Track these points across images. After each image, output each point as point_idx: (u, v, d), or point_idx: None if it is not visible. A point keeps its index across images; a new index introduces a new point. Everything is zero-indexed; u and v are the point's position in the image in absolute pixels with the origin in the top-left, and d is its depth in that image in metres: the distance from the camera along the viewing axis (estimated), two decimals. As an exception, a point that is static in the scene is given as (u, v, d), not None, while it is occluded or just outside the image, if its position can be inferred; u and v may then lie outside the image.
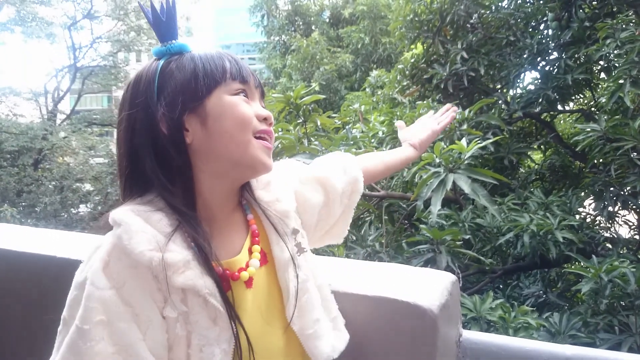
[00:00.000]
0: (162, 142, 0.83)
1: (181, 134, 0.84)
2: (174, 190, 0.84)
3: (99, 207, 15.12)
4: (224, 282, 0.82)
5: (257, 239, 0.91)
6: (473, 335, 1.12)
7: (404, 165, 1.35)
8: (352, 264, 1.27)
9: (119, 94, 23.44)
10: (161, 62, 0.87)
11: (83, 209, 15.53)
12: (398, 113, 4.14)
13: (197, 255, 0.80)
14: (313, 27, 19.63)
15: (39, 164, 15.55)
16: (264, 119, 0.89)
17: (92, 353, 0.73)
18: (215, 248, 0.84)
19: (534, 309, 3.25)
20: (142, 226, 0.78)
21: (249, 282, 0.86)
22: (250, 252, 0.89)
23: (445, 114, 1.49)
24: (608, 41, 3.72)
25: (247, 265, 0.86)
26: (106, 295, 0.75)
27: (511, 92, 5.17)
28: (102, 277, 0.76)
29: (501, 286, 4.50)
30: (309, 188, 1.04)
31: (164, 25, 0.89)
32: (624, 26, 3.72)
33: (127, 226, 0.77)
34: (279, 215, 0.93)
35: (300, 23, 20.22)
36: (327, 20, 20.01)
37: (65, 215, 14.79)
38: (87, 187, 15.71)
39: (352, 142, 3.58)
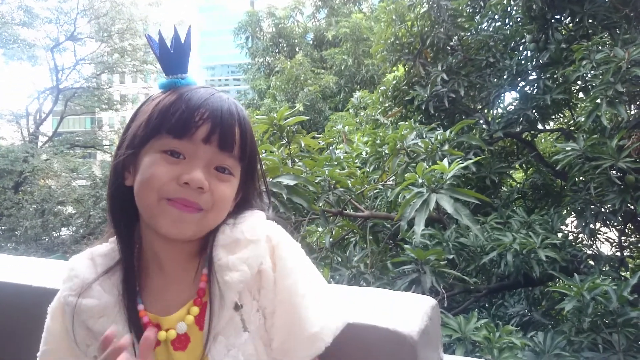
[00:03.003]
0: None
1: (121, 174, 0.84)
2: (121, 234, 0.86)
3: (81, 230, 14.90)
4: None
5: (201, 299, 0.82)
6: (455, 360, 1.11)
7: None
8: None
9: (102, 115, 23.32)
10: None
11: (65, 232, 15.30)
12: (381, 134, 4.17)
13: (121, 302, 0.81)
14: (297, 49, 19.86)
15: (19, 187, 15.32)
16: (185, 183, 0.76)
17: None
18: (153, 299, 0.83)
19: (519, 328, 3.24)
20: (80, 271, 0.84)
21: (181, 345, 0.81)
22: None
23: None
24: (584, 62, 3.80)
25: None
26: (56, 328, 0.86)
27: (492, 113, 5.24)
28: (58, 312, 0.86)
29: (486, 305, 4.50)
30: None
31: (172, 57, 0.84)
32: (599, 47, 3.81)
33: (68, 271, 0.86)
34: (221, 286, 0.80)
35: (284, 45, 20.44)
36: (311, 42, 20.27)
37: (47, 239, 14.55)
38: (69, 209, 15.52)
39: (335, 163, 3.59)
